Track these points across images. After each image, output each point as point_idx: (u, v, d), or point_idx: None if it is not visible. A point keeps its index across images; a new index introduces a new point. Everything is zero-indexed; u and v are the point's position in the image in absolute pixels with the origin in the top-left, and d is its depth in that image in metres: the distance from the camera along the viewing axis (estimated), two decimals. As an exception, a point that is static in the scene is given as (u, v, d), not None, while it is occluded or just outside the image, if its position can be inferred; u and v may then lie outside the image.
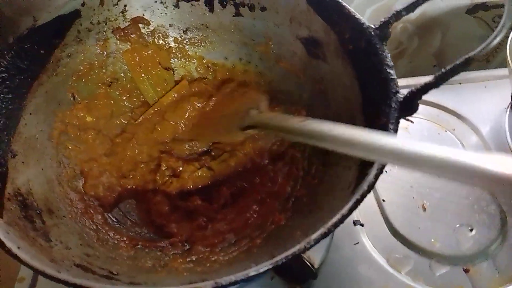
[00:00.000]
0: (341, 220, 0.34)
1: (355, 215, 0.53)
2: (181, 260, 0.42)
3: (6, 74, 0.44)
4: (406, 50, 0.82)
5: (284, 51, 0.53)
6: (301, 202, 0.44)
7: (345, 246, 0.49)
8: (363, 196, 0.34)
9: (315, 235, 0.33)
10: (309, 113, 0.52)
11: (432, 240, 0.50)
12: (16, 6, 0.67)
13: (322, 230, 0.33)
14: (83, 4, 0.50)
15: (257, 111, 0.47)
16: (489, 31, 0.79)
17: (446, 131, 0.61)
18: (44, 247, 0.37)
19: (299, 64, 0.52)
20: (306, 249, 0.33)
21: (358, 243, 0.49)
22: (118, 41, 0.54)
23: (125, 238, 0.45)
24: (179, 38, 0.57)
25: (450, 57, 0.83)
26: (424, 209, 0.52)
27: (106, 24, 0.53)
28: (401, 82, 0.39)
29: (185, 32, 0.57)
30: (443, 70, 0.38)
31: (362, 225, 0.51)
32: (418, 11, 0.43)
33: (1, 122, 0.43)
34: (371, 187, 0.35)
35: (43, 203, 0.43)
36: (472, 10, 0.77)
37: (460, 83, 0.67)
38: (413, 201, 0.53)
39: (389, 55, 0.41)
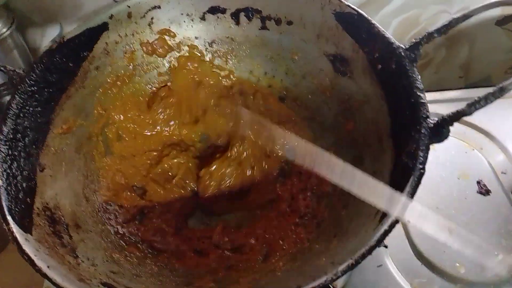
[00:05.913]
0: (369, 251, 0.33)
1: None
2: (207, 279, 0.41)
3: (35, 88, 0.44)
4: (432, 60, 0.80)
5: (310, 66, 0.52)
6: (325, 224, 0.43)
7: (368, 268, 0.48)
8: (392, 227, 0.34)
9: (342, 267, 0.32)
10: (334, 133, 0.51)
11: (457, 264, 0.49)
12: (45, 13, 0.68)
13: (350, 261, 0.32)
14: (111, 17, 0.50)
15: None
16: (518, 43, 0.77)
17: (473, 149, 0.59)
18: (72, 265, 0.37)
19: (325, 81, 0.51)
20: (332, 280, 0.32)
21: (381, 265, 0.49)
22: (145, 54, 0.55)
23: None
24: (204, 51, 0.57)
25: (477, 69, 0.81)
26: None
27: (133, 37, 0.53)
28: (428, 96, 0.38)
29: (210, 44, 0.57)
30: (476, 98, 0.37)
31: (386, 246, 0.50)
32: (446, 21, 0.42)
33: (30, 135, 0.43)
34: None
35: (70, 218, 0.43)
36: (502, 21, 0.75)
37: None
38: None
39: (419, 77, 0.40)
